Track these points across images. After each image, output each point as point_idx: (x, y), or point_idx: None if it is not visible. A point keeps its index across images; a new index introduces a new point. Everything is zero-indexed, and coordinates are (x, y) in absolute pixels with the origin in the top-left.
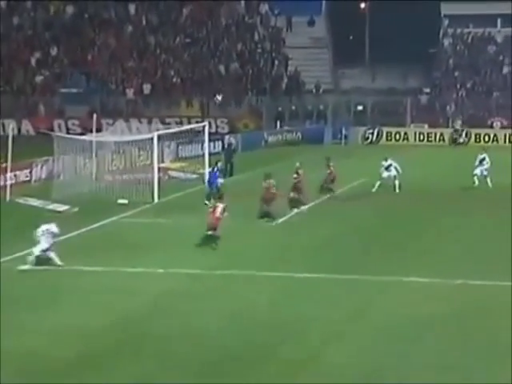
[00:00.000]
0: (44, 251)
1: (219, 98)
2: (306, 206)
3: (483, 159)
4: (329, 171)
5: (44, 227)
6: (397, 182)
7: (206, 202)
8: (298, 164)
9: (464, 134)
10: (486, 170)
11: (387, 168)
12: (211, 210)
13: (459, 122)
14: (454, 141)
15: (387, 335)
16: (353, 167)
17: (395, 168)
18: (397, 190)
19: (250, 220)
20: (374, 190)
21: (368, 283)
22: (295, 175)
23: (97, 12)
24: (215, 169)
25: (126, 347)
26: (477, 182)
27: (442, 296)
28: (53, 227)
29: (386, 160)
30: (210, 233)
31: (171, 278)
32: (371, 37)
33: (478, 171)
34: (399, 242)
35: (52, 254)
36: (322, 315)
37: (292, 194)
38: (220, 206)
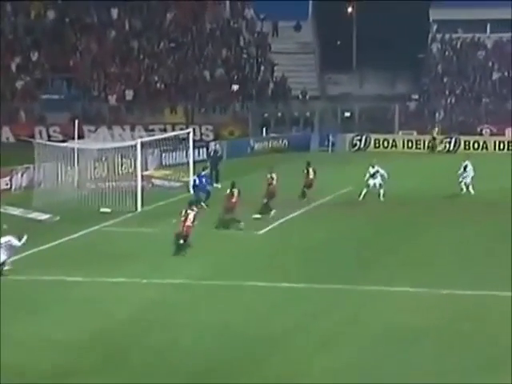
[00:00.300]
0: (1, 264)
1: (235, 87)
2: (273, 211)
3: (466, 166)
4: (308, 176)
5: (3, 239)
6: (381, 191)
7: (202, 204)
8: (270, 175)
9: (443, 142)
10: (468, 177)
11: (373, 175)
12: (183, 218)
13: (436, 130)
14: (432, 149)
15: (375, 347)
16: (340, 175)
17: (381, 175)
18: (381, 198)
19: (232, 229)
20: (360, 198)
21: (355, 293)
22: (269, 179)
23: (78, 16)
24: (202, 174)
25: (108, 361)
26: (464, 189)
27: (429, 306)
28: (12, 240)
29: (373, 167)
30: (181, 242)
31: (155, 289)
32: (359, 42)
33: (464, 179)
34: (385, 251)
35: (6, 267)
36: (308, 326)
37: (265, 200)
38: (191, 214)
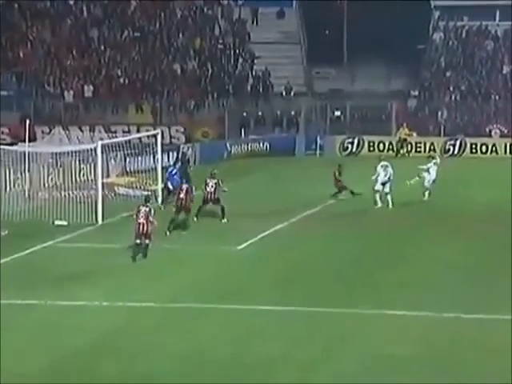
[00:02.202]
0: None
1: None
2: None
3: (386, 167)
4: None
5: None
6: (389, 197)
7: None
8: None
9: (407, 144)
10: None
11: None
12: (134, 216)
13: (402, 131)
14: (396, 152)
15: (363, 377)
16: (329, 183)
17: (389, 178)
18: (390, 206)
19: (208, 244)
20: (378, 205)
21: (343, 316)
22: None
23: (30, 2)
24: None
25: None
26: (379, 203)
27: (425, 331)
28: None
29: (385, 168)
30: (137, 241)
31: (118, 313)
32: (350, 31)
33: (382, 186)
34: (378, 270)
35: None
36: (290, 355)
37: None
38: (142, 210)
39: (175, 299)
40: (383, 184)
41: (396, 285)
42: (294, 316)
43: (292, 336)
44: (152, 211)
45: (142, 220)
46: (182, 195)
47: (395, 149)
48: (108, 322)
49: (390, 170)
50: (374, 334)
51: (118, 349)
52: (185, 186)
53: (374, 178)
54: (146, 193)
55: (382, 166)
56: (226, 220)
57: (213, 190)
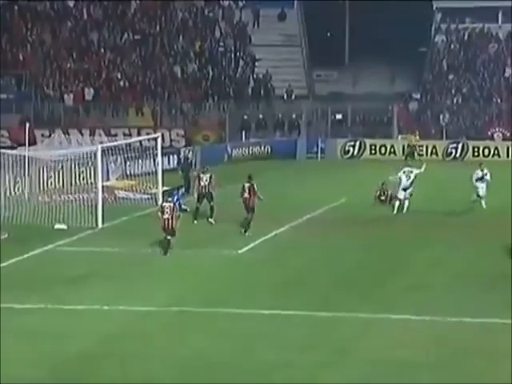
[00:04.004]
0: None
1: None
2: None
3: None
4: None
5: None
6: (407, 202)
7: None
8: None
9: (419, 150)
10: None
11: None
12: (159, 213)
13: (413, 138)
14: (406, 157)
15: (367, 382)
16: (331, 186)
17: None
18: (404, 211)
19: (208, 248)
20: (404, 211)
21: (348, 321)
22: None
23: (30, 4)
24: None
25: None
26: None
27: (432, 336)
28: None
29: (408, 174)
30: (167, 238)
31: (118, 317)
32: (352, 34)
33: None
34: (383, 273)
35: None
36: (293, 360)
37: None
38: (166, 206)
39: (175, 303)
40: (404, 190)
41: (400, 289)
42: (295, 320)
43: (293, 341)
44: (177, 206)
45: (167, 216)
46: (166, 216)
47: (405, 154)
48: (109, 326)
49: (412, 176)
50: (377, 338)
51: (119, 353)
52: (170, 205)
53: (392, 178)
54: (146, 196)
55: (404, 172)
56: (213, 221)
57: (206, 183)
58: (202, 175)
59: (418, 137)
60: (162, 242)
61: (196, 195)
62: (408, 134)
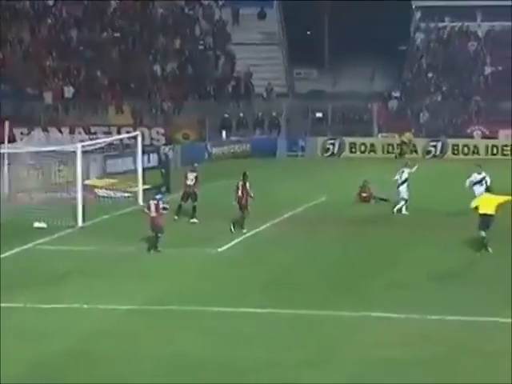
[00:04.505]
0: None
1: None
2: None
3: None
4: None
5: None
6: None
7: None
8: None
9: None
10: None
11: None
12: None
13: (407, 134)
14: (400, 154)
15: (350, 380)
16: (311, 184)
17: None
18: (404, 211)
19: (189, 246)
20: (404, 212)
21: (332, 319)
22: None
23: (9, 3)
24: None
25: None
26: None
27: (415, 334)
28: None
29: (401, 173)
30: (153, 234)
31: (98, 316)
32: (332, 32)
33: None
34: (366, 272)
35: None
36: (277, 359)
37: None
38: (152, 204)
39: (155, 302)
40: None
41: (381, 287)
42: (275, 319)
43: (278, 340)
44: (160, 204)
45: (153, 214)
46: (153, 214)
47: (398, 151)
48: (88, 325)
49: (405, 174)
50: (362, 337)
51: (98, 352)
52: (155, 203)
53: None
54: (126, 194)
55: (399, 172)
56: (195, 220)
57: (192, 183)
58: (189, 174)
59: (411, 135)
60: (150, 239)
61: (181, 193)
62: (405, 132)
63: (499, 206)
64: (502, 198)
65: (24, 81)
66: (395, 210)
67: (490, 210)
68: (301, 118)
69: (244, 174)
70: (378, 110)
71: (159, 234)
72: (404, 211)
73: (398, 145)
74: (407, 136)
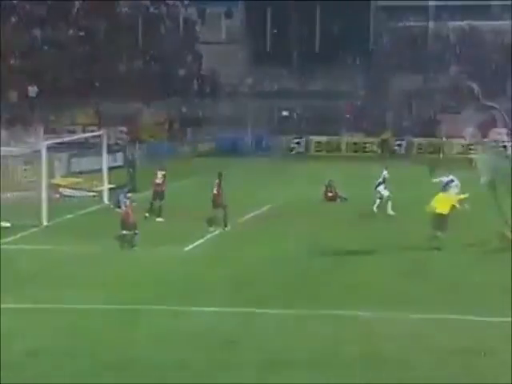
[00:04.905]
0: None
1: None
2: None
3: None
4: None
5: None
6: (390, 202)
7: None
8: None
9: (393, 145)
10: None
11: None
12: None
13: (387, 133)
14: (382, 152)
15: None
16: (276, 183)
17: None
18: (390, 212)
19: (154, 245)
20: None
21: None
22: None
23: None
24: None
25: None
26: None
27: (384, 332)
28: None
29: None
30: (123, 232)
31: (60, 315)
32: (299, 31)
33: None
34: (325, 269)
35: None
36: (235, 359)
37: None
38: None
39: (119, 301)
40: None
41: (343, 285)
42: (236, 317)
43: (236, 339)
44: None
45: (127, 211)
46: (128, 211)
47: (381, 149)
48: (51, 324)
49: (383, 174)
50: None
51: (60, 351)
52: (127, 202)
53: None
54: (91, 194)
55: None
56: (161, 219)
57: (161, 181)
58: (158, 172)
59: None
60: (121, 237)
61: (152, 192)
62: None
63: (453, 206)
64: (457, 197)
65: None
66: (375, 208)
67: (445, 210)
68: (266, 116)
69: (220, 174)
70: (345, 109)
71: (136, 231)
72: (390, 211)
73: (378, 143)
74: (386, 134)
